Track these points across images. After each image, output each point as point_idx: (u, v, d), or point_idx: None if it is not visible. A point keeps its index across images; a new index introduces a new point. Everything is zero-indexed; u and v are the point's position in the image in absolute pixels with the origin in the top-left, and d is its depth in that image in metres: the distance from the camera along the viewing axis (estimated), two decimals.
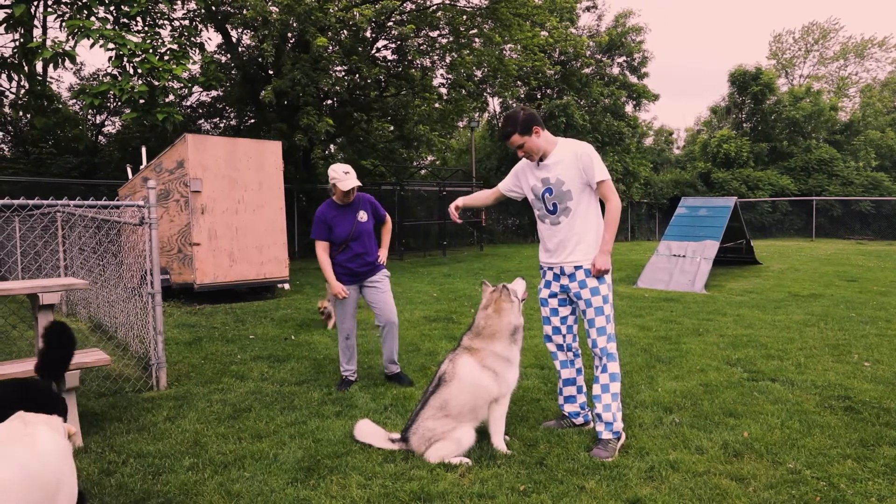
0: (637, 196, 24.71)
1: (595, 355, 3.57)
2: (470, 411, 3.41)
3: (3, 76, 12.39)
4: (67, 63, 10.00)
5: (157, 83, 9.80)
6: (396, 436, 3.49)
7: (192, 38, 11.95)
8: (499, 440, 3.45)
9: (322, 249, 4.63)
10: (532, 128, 3.50)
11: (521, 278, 3.75)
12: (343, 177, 4.51)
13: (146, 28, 10.77)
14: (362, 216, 4.69)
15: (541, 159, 3.59)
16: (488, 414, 3.46)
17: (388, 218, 4.97)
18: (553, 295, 3.71)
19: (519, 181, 3.79)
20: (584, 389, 3.82)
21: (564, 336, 3.74)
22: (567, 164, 3.51)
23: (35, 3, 11.49)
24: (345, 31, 13.55)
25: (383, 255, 4.83)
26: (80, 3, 10.62)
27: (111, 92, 10.15)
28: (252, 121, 17.98)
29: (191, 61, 10.95)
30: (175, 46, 10.64)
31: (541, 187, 3.62)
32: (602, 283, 3.50)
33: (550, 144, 3.57)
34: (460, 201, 3.95)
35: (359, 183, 4.61)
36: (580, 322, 3.74)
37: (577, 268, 3.53)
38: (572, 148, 3.54)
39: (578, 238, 3.54)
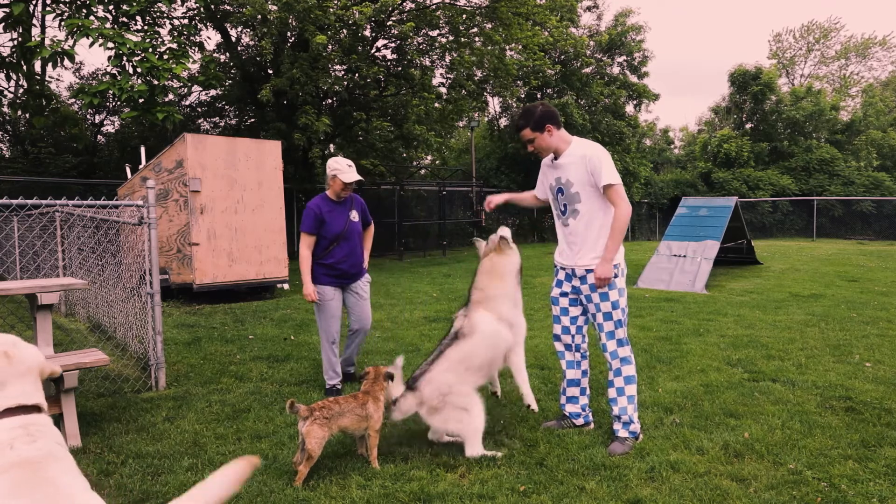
0: (637, 196, 24.69)
1: (607, 359, 3.56)
2: (489, 364, 3.47)
3: (2, 75, 12.35)
4: (66, 62, 9.97)
5: (156, 82, 9.77)
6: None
7: (192, 38, 11.93)
8: (527, 389, 3.51)
9: (307, 246, 4.49)
10: (545, 125, 3.49)
11: (504, 226, 3.79)
12: (346, 168, 4.47)
13: (145, 27, 10.75)
14: (354, 216, 4.65)
15: (556, 158, 3.58)
16: (510, 365, 3.52)
17: (373, 225, 4.94)
18: (564, 294, 3.68)
19: (542, 180, 3.79)
20: (588, 392, 3.79)
21: (573, 336, 3.72)
22: (576, 165, 3.49)
23: (34, 2, 11.47)
24: (344, 30, 13.52)
25: (366, 260, 4.83)
26: (78, 2, 10.60)
27: (110, 91, 10.13)
28: (252, 120, 17.96)
29: (190, 60, 10.92)
30: (174, 45, 10.62)
31: (555, 186, 3.62)
32: (612, 287, 3.45)
33: (564, 144, 3.55)
34: (502, 197, 3.89)
35: (361, 178, 4.57)
36: (590, 325, 3.72)
37: (588, 271, 3.50)
38: (582, 149, 3.50)
39: (587, 241, 3.50)
